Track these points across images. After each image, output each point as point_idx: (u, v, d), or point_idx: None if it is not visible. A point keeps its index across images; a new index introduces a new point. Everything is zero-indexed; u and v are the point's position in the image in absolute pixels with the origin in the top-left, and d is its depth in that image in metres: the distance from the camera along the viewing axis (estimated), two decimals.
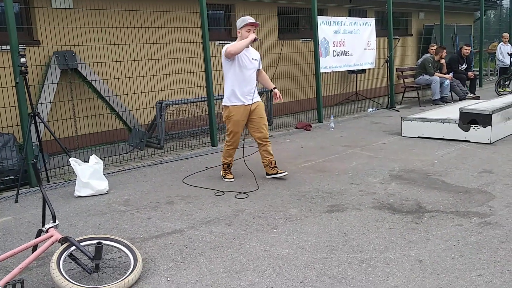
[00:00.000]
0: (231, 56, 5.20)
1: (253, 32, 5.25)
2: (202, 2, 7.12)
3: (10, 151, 5.82)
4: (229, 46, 5.16)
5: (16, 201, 5.12)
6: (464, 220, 4.03)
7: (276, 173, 5.52)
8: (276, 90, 5.52)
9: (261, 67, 5.56)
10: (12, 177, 5.61)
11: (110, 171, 6.13)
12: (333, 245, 3.67)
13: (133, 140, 7.35)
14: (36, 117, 5.48)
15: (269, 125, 9.04)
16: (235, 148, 5.58)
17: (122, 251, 3.41)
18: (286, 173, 5.52)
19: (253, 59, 5.39)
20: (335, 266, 3.31)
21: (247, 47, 5.29)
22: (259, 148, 5.58)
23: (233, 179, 5.57)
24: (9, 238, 4.12)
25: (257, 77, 5.55)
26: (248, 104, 5.35)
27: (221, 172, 5.73)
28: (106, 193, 5.26)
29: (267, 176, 5.58)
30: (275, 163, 5.58)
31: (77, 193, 5.19)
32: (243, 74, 5.29)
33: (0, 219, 4.62)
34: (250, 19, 5.27)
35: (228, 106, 5.35)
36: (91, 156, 5.40)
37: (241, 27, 5.28)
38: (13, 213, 4.79)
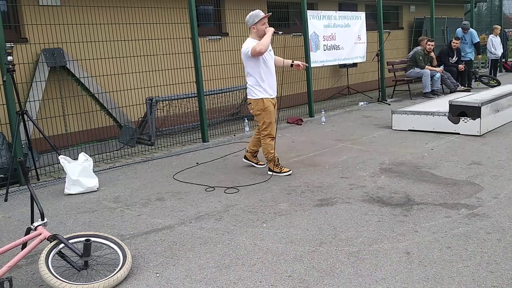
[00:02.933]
0: (261, 55, 5.20)
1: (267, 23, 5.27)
2: None
3: None
4: (257, 46, 5.09)
5: (6, 200, 5.10)
6: (452, 212, 4.06)
7: (257, 163, 5.84)
8: (295, 62, 5.77)
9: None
10: (2, 175, 5.59)
11: (100, 169, 6.12)
12: (322, 238, 3.68)
13: (123, 137, 7.33)
14: (25, 115, 5.45)
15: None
16: (274, 139, 5.57)
17: (111, 247, 3.41)
18: (265, 165, 5.73)
19: (269, 50, 5.40)
20: (323, 260, 3.33)
21: None
22: (254, 135, 5.77)
23: (290, 171, 5.49)
24: None
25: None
26: (274, 97, 5.50)
27: (272, 169, 5.48)
28: (96, 191, 5.25)
29: (244, 160, 5.92)
30: (256, 154, 5.87)
31: (67, 191, 5.18)
32: (268, 68, 5.36)
33: None
34: (262, 13, 5.31)
35: (262, 98, 5.36)
36: (80, 154, 5.39)
37: (256, 22, 5.25)
38: (3, 211, 4.77)
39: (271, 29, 5.24)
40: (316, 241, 3.64)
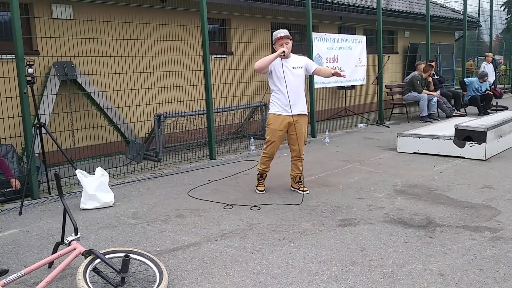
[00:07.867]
0: (259, 72, 5.25)
1: (286, 44, 5.22)
2: (203, 16, 7.16)
3: (9, 162, 5.72)
4: (256, 63, 5.14)
5: (20, 213, 5.02)
6: (476, 235, 4.11)
7: (298, 189, 5.57)
8: (334, 73, 5.25)
9: (314, 67, 5.41)
10: (13, 188, 5.50)
11: (111, 184, 6.01)
12: (352, 258, 3.70)
13: (131, 153, 7.29)
14: (42, 128, 5.40)
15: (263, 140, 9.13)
16: (270, 159, 5.52)
17: (146, 264, 3.37)
18: (308, 192, 5.50)
19: (294, 67, 5.27)
20: (359, 280, 3.34)
21: (283, 58, 5.22)
22: (291, 161, 5.58)
23: (263, 192, 5.58)
24: (20, 251, 4.03)
25: (322, 75, 5.53)
26: (288, 115, 5.26)
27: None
28: (112, 206, 5.20)
29: (291, 188, 5.66)
30: (299, 179, 5.58)
31: (82, 206, 5.12)
32: (281, 85, 5.21)
33: (7, 231, 4.53)
34: (280, 33, 5.27)
35: (269, 113, 5.39)
36: (97, 168, 5.34)
37: (274, 42, 5.32)
38: (19, 225, 4.69)
39: (280, 50, 5.16)
40: (347, 261, 3.65)
